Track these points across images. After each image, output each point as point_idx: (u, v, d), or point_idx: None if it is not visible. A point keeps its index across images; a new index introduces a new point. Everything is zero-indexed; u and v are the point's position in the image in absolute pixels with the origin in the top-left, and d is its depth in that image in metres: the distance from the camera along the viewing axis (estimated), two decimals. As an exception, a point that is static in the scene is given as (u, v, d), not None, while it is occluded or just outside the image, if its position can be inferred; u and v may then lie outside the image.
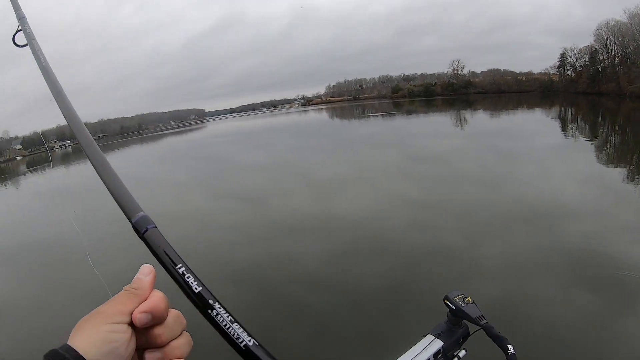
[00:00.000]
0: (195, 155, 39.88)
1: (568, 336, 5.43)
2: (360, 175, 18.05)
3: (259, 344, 0.69)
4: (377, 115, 61.86)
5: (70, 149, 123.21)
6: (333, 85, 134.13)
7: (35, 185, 40.58)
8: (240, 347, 0.68)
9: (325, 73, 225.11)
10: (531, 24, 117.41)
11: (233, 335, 0.69)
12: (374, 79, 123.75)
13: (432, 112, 58.86)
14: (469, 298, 1.49)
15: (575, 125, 30.52)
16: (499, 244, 8.73)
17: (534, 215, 10.12)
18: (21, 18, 1.51)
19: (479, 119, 41.73)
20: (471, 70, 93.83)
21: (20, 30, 1.55)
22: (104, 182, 0.97)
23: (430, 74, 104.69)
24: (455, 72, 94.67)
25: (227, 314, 0.70)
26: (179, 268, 0.74)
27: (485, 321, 1.42)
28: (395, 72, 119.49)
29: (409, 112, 62.67)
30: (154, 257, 0.76)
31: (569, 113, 41.22)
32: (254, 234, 11.60)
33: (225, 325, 0.70)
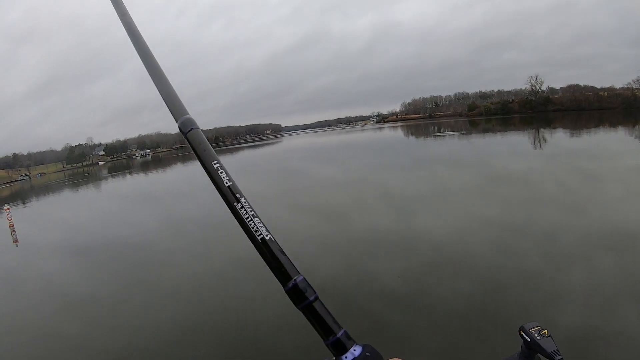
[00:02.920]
0: (272, 168, 41.51)
1: None
2: (440, 194, 18.07)
3: (275, 240, 0.83)
4: (452, 134, 61.87)
5: (149, 157, 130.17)
6: (408, 103, 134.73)
7: (116, 188, 43.82)
8: (257, 238, 0.82)
9: (401, 90, 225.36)
10: (616, 34, 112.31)
11: (252, 228, 0.83)
12: (449, 96, 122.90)
13: (509, 131, 58.18)
14: (546, 331, 1.41)
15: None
16: (583, 272, 8.43)
17: (621, 242, 9.73)
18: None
19: (558, 139, 40.98)
20: (550, 86, 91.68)
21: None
22: (157, 89, 1.10)
23: (508, 91, 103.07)
24: (533, 88, 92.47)
25: (250, 209, 0.84)
26: (214, 164, 0.90)
27: (560, 357, 1.34)
28: (471, 89, 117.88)
29: (486, 131, 62.31)
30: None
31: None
32: (333, 248, 11.94)
33: (247, 218, 0.83)
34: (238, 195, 0.87)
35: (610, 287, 7.55)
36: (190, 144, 0.95)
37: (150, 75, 1.08)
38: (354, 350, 0.77)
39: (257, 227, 0.83)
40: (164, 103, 1.02)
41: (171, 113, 1.02)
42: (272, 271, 0.83)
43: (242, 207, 0.85)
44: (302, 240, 12.86)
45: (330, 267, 10.18)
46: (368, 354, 0.76)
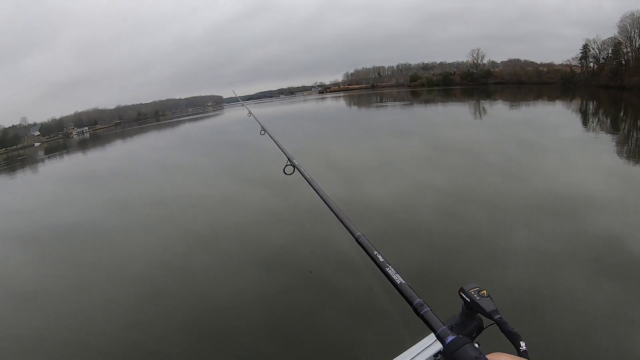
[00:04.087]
0: (215, 140, 40.33)
1: (587, 325, 5.60)
2: (385, 163, 18.21)
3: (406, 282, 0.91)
4: (395, 104, 61.40)
5: (87, 135, 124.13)
6: (351, 73, 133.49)
7: (55, 170, 41.20)
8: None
9: (346, 61, 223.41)
10: (561, 14, 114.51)
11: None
12: (392, 67, 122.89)
13: (450, 102, 58.40)
14: (485, 291, 1.43)
15: (597, 119, 30.24)
16: (523, 235, 8.75)
17: (559, 207, 10.26)
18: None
19: (498, 110, 41.38)
20: (491, 60, 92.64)
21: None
22: (331, 209, 1.73)
23: (450, 63, 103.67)
24: (475, 61, 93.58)
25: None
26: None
27: (499, 316, 1.36)
28: (414, 60, 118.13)
29: (427, 102, 62.33)
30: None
31: (591, 106, 40.74)
32: (284, 218, 11.89)
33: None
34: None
35: (550, 249, 7.95)
36: (363, 248, 1.52)
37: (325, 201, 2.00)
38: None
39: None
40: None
41: (348, 230, 1.68)
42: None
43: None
44: (252, 212, 12.86)
45: (284, 236, 10.34)
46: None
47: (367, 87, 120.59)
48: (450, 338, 0.96)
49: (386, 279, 1.41)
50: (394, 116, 43.86)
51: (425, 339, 1.79)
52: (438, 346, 1.70)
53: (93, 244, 11.91)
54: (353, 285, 7.32)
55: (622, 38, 54.47)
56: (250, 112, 4.47)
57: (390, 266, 1.41)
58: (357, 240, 1.64)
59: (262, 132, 4.83)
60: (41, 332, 7.30)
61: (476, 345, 1.49)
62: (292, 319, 6.64)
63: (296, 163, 2.89)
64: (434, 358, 1.73)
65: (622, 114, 34.62)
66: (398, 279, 1.35)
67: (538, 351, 4.76)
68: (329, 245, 9.17)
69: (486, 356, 0.81)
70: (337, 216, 1.87)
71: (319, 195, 2.21)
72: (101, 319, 7.36)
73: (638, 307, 5.92)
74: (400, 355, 1.77)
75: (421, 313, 1.14)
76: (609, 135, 22.19)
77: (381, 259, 1.46)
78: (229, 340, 6.28)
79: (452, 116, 38.57)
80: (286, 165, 2.98)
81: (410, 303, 1.26)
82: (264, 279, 8.17)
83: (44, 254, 12.05)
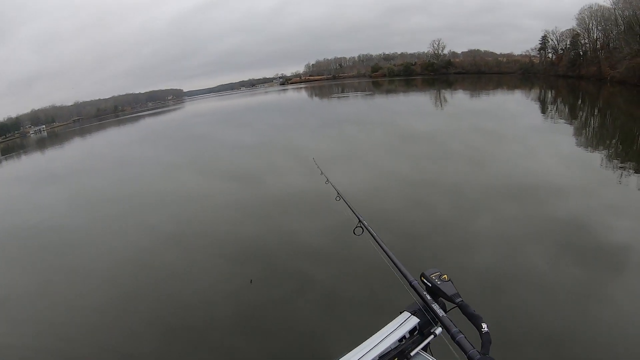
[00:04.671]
0: (177, 135, 39.26)
1: (551, 303, 5.80)
2: (349, 152, 18.14)
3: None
4: (356, 95, 61.14)
5: (45, 133, 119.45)
6: (312, 64, 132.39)
7: (12, 171, 39.44)
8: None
9: (308, 52, 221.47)
10: (522, 6, 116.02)
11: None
12: (353, 58, 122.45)
13: (412, 92, 58.33)
14: (445, 276, 1.48)
15: (555, 108, 30.54)
16: (487, 220, 9.06)
17: (521, 192, 10.63)
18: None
19: (459, 99, 41.59)
20: (452, 51, 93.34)
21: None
22: (390, 258, 2.09)
23: (411, 54, 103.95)
24: (436, 52, 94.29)
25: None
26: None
27: (460, 299, 1.41)
28: (376, 51, 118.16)
29: (389, 92, 62.35)
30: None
31: (549, 95, 41.24)
32: (253, 211, 11.77)
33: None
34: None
35: (513, 233, 8.27)
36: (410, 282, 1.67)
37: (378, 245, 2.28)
38: None
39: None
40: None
41: (404, 275, 1.77)
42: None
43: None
44: (219, 205, 12.84)
45: (251, 229, 10.31)
46: None
47: (329, 78, 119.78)
48: (478, 357, 0.98)
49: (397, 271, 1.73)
50: (357, 107, 43.42)
51: (400, 316, 1.76)
52: (412, 324, 1.70)
53: (57, 246, 11.39)
54: (322, 275, 7.43)
55: (580, 30, 55.56)
56: (338, 194, 3.71)
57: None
58: (410, 283, 1.73)
59: (338, 198, 4.28)
60: (6, 339, 6.90)
61: (440, 328, 1.67)
62: (263, 312, 6.57)
63: (366, 224, 2.86)
64: (409, 334, 1.70)
65: (579, 102, 35.08)
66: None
67: (504, 328, 5.12)
68: (296, 237, 9.34)
69: None
70: (397, 267, 1.99)
71: (387, 255, 2.21)
72: (69, 322, 7.08)
73: (597, 283, 6.27)
74: (376, 334, 1.70)
75: (457, 339, 1.17)
76: (568, 123, 22.49)
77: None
78: (202, 335, 6.14)
79: (414, 106, 38.45)
80: (356, 227, 2.92)
81: (448, 331, 1.28)
82: (234, 272, 8.08)
83: (6, 259, 11.36)
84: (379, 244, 2.35)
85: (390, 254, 2.14)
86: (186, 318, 6.63)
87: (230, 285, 7.58)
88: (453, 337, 1.29)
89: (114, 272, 8.90)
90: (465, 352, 1.14)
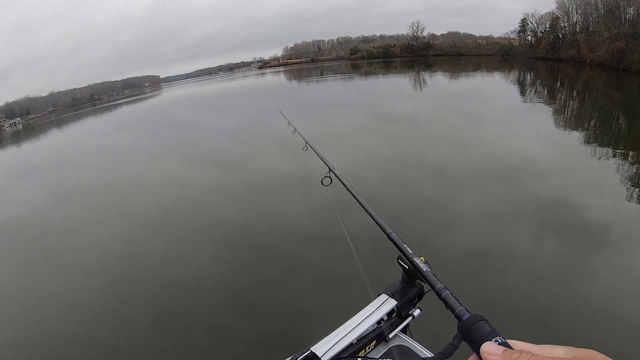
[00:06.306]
0: (156, 122, 38.19)
1: (534, 278, 5.98)
2: (331, 134, 18.04)
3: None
4: (335, 77, 60.70)
5: (20, 126, 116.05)
6: (291, 47, 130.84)
7: None
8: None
9: (287, 35, 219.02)
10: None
11: None
12: (332, 40, 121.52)
13: (391, 74, 57.85)
14: (422, 257, 1.40)
15: (534, 90, 30.52)
16: (470, 200, 9.16)
17: (502, 172, 10.88)
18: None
19: (438, 81, 41.41)
20: (431, 33, 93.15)
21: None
22: (363, 207, 1.93)
23: (390, 36, 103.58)
24: (415, 34, 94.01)
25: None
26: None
27: (440, 284, 1.28)
28: (355, 34, 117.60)
29: (368, 74, 61.76)
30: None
31: (529, 77, 41.25)
32: (237, 195, 11.84)
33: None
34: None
35: (496, 212, 8.41)
36: (395, 244, 1.50)
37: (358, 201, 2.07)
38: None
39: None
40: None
41: (380, 227, 1.64)
42: None
43: None
44: (203, 192, 12.68)
45: (236, 214, 10.24)
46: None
47: (308, 61, 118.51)
48: (467, 316, 0.95)
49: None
50: (336, 89, 42.83)
51: (378, 298, 1.76)
52: (390, 306, 1.70)
53: (41, 240, 11.06)
54: (311, 256, 7.52)
55: (560, 13, 55.63)
56: (306, 143, 3.86)
57: (416, 256, 1.39)
58: (388, 236, 1.58)
59: (305, 147, 4.33)
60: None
61: (419, 310, 1.75)
62: (255, 292, 6.63)
63: (337, 173, 2.82)
64: (387, 317, 1.70)
65: (559, 84, 35.08)
66: (425, 267, 1.32)
67: (488, 306, 5.19)
68: (284, 219, 9.38)
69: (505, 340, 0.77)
70: (370, 215, 1.85)
71: (356, 199, 2.15)
72: (58, 317, 6.95)
73: (579, 258, 6.42)
74: (354, 317, 1.69)
75: (442, 296, 1.13)
76: (547, 104, 22.47)
77: (410, 251, 1.43)
78: (195, 317, 6.22)
79: (394, 88, 37.97)
80: (324, 177, 2.93)
81: (433, 287, 1.23)
82: (223, 256, 8.09)
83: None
84: (352, 194, 2.26)
85: (364, 203, 2.02)
86: (179, 301, 6.69)
87: (220, 267, 7.65)
88: (439, 294, 1.19)
89: (102, 262, 8.79)
90: (453, 310, 1.05)
